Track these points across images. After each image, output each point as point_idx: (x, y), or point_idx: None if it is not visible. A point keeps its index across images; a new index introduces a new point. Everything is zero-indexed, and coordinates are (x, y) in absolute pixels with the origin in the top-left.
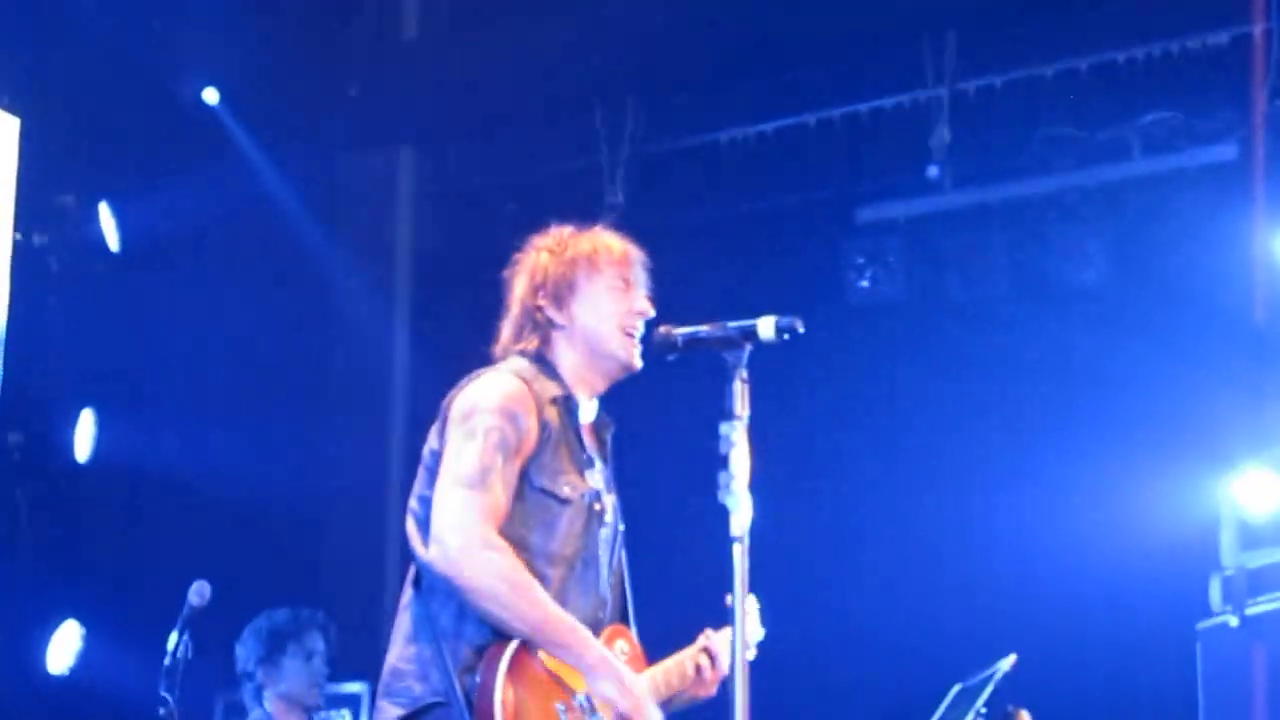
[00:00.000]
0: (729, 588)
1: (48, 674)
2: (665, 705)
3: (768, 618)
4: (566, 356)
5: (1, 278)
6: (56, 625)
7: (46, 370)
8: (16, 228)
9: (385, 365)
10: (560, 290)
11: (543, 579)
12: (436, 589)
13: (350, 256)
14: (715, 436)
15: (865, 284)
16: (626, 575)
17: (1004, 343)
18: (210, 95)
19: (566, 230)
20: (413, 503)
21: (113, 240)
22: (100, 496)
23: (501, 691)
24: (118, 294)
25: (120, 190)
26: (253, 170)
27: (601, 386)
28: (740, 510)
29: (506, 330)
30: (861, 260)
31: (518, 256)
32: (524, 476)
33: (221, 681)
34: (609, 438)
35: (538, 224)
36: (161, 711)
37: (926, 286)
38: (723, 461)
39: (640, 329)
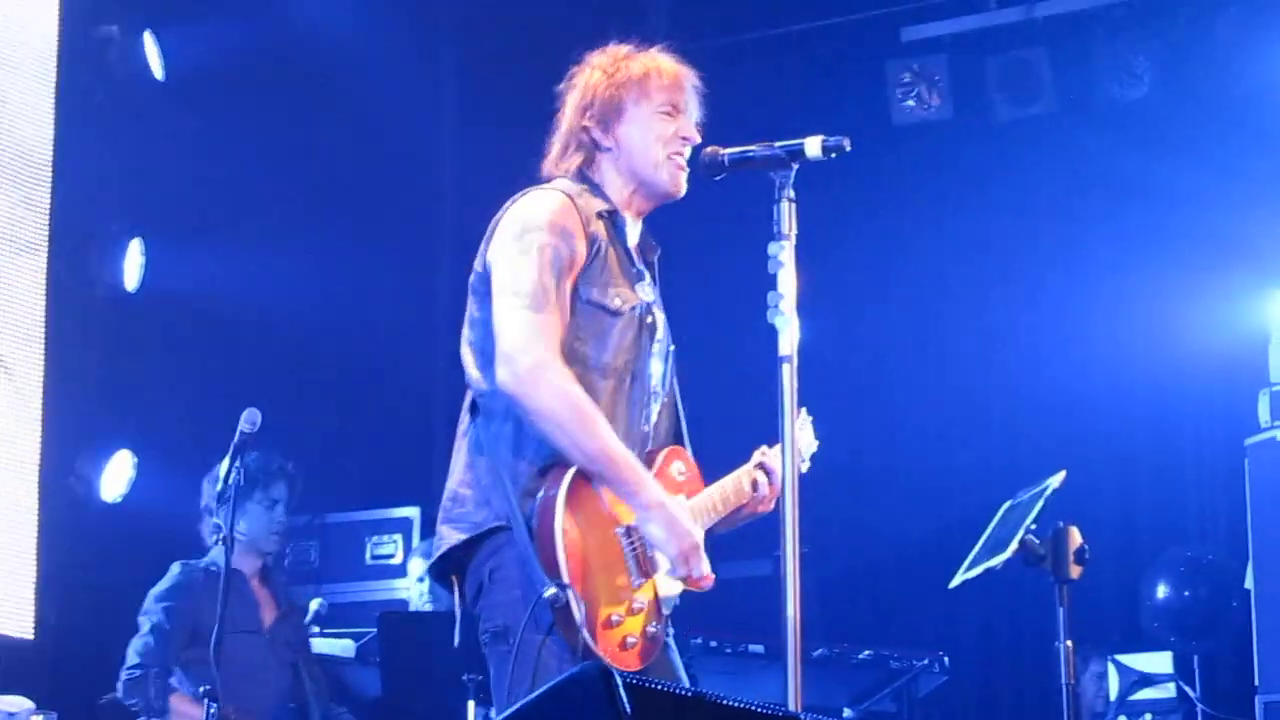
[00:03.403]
0: (778, 406)
1: (102, 502)
2: (725, 522)
3: (819, 435)
4: (612, 178)
5: (48, 111)
6: (109, 454)
7: (94, 202)
8: (61, 60)
9: (433, 188)
10: (607, 113)
11: (594, 390)
12: (494, 413)
13: (397, 79)
14: (763, 256)
15: (911, 104)
16: (679, 395)
17: (1050, 161)
18: None
19: (622, 50)
20: (465, 329)
21: (157, 69)
22: (150, 326)
23: (561, 515)
24: (163, 123)
25: (163, 19)
26: None
27: (646, 209)
28: (788, 330)
29: (555, 147)
30: (907, 79)
31: (572, 71)
32: (575, 290)
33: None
34: (655, 259)
35: (580, 44)
36: (214, 537)
37: (972, 105)
38: (771, 281)
39: (685, 155)
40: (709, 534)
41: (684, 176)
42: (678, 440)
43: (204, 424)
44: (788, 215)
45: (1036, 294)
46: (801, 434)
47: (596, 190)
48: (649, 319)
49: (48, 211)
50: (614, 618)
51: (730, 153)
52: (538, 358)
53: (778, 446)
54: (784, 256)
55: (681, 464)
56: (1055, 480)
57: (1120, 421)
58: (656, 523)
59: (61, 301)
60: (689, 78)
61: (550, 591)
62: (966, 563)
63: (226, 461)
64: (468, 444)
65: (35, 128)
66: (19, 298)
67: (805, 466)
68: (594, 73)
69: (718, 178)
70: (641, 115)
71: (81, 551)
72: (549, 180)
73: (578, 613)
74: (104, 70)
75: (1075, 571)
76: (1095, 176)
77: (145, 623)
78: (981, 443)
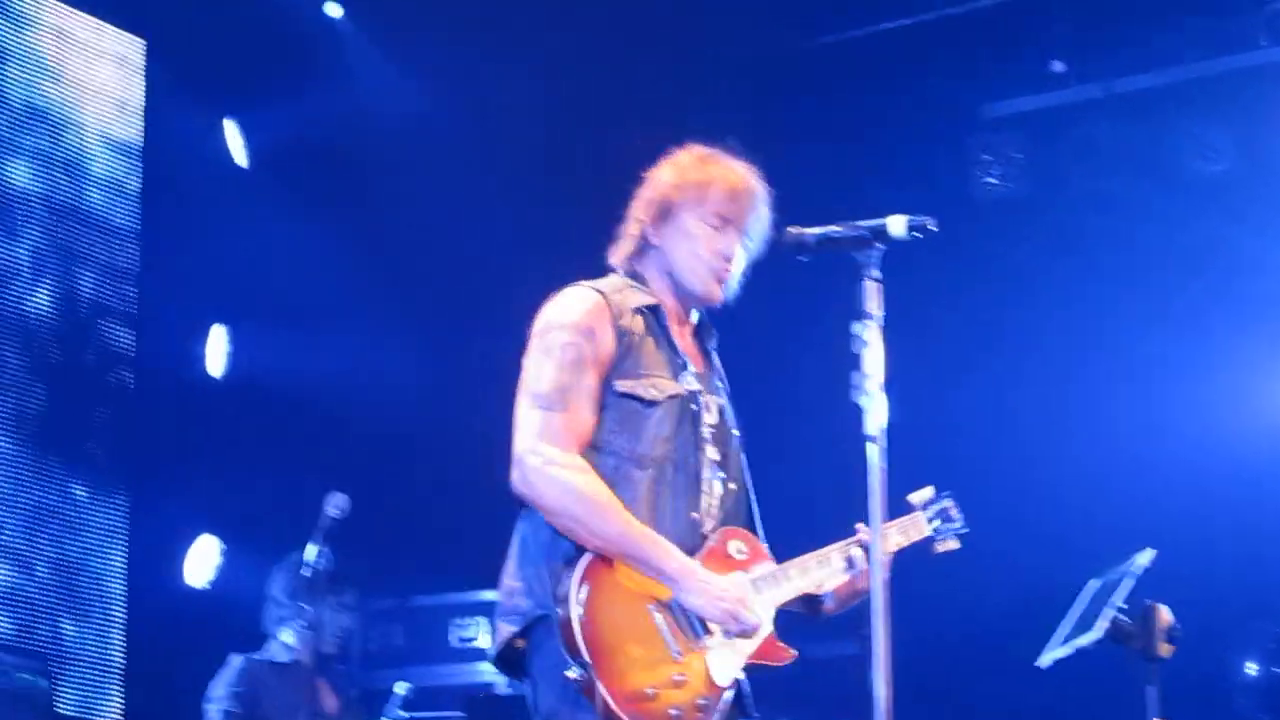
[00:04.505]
0: (865, 486)
1: (187, 587)
2: (839, 601)
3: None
4: (654, 275)
5: (134, 198)
6: (194, 539)
7: (179, 288)
8: (148, 146)
9: (512, 272)
10: (662, 212)
11: (630, 481)
12: (532, 508)
13: (475, 164)
14: (849, 336)
15: (992, 180)
16: (748, 478)
17: (1131, 235)
18: (332, 9)
19: (702, 152)
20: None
21: (240, 156)
22: (234, 411)
23: (576, 599)
24: (246, 209)
25: (246, 106)
26: (374, 83)
27: (690, 312)
28: (875, 409)
29: (621, 235)
30: (988, 156)
31: (662, 159)
32: (607, 385)
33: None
34: (713, 347)
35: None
36: (300, 623)
37: (1052, 181)
38: (857, 361)
39: (725, 270)
40: (800, 613)
41: (720, 289)
42: (748, 522)
43: (290, 509)
44: (873, 294)
45: (1118, 367)
46: (920, 526)
47: (641, 283)
48: (693, 407)
49: (134, 298)
50: (649, 691)
51: (814, 233)
52: (545, 456)
53: (884, 524)
54: (869, 336)
55: (741, 543)
56: (1144, 558)
57: (1204, 495)
58: (690, 591)
59: (147, 387)
60: (755, 194)
61: (572, 672)
62: (1055, 641)
63: (313, 546)
64: (517, 539)
65: (123, 213)
66: (105, 383)
67: (943, 547)
68: (666, 168)
69: (802, 258)
70: (689, 222)
71: (168, 637)
72: (610, 267)
73: (603, 691)
74: (188, 157)
75: (1165, 650)
76: (1175, 250)
77: (214, 711)
78: (1067, 518)
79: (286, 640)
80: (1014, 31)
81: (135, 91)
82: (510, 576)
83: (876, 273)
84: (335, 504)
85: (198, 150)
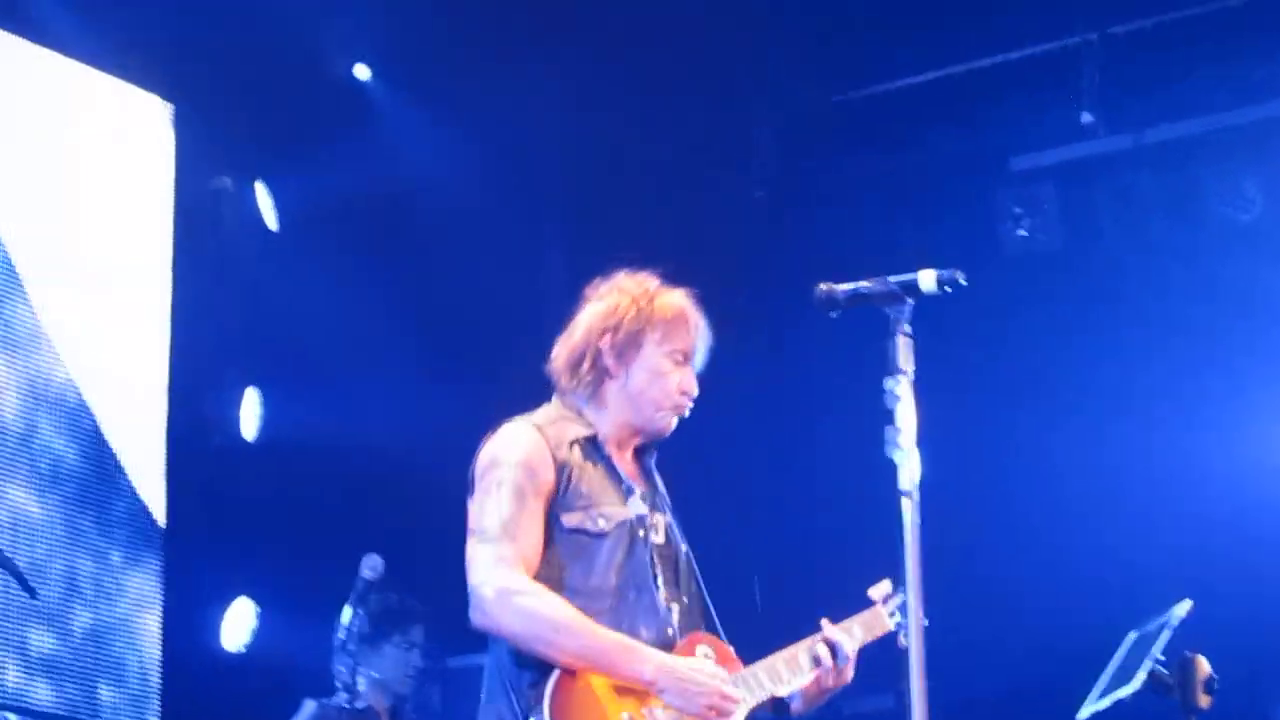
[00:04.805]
0: (899, 542)
1: (222, 651)
2: (784, 704)
3: (936, 571)
4: (608, 404)
5: (165, 261)
6: (229, 602)
7: (211, 350)
8: (176, 211)
9: (542, 330)
10: (627, 344)
11: (592, 613)
12: (499, 639)
13: (504, 223)
14: (881, 391)
15: (1022, 233)
16: (703, 589)
17: (1163, 284)
18: (361, 71)
19: (654, 283)
20: None
21: (270, 219)
22: (268, 473)
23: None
24: (277, 272)
25: (276, 169)
26: (405, 143)
27: (634, 441)
28: (908, 464)
29: (564, 354)
30: (1018, 209)
31: (600, 283)
32: (554, 520)
33: None
34: (652, 463)
35: (689, 182)
36: (337, 685)
37: (1083, 233)
38: (889, 416)
39: (686, 406)
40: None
41: (674, 422)
42: (710, 628)
43: (325, 571)
44: (904, 349)
45: (1152, 417)
46: (881, 621)
47: (576, 414)
48: (641, 531)
49: (166, 361)
50: None
51: (844, 289)
52: (497, 587)
53: (845, 622)
54: (901, 391)
55: (706, 647)
56: (1181, 609)
57: (1243, 544)
58: (666, 689)
59: (180, 451)
60: (704, 328)
61: None
62: (1094, 693)
63: (348, 609)
64: (486, 668)
65: (153, 278)
66: (139, 447)
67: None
68: (624, 298)
69: (832, 314)
70: (655, 358)
71: (204, 702)
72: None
73: None
74: (218, 220)
75: (1204, 701)
76: (1208, 299)
77: None
78: (1103, 570)
79: (358, 686)
80: (1042, 83)
81: (164, 155)
82: (483, 709)
83: (908, 327)
84: (370, 565)
85: (227, 213)
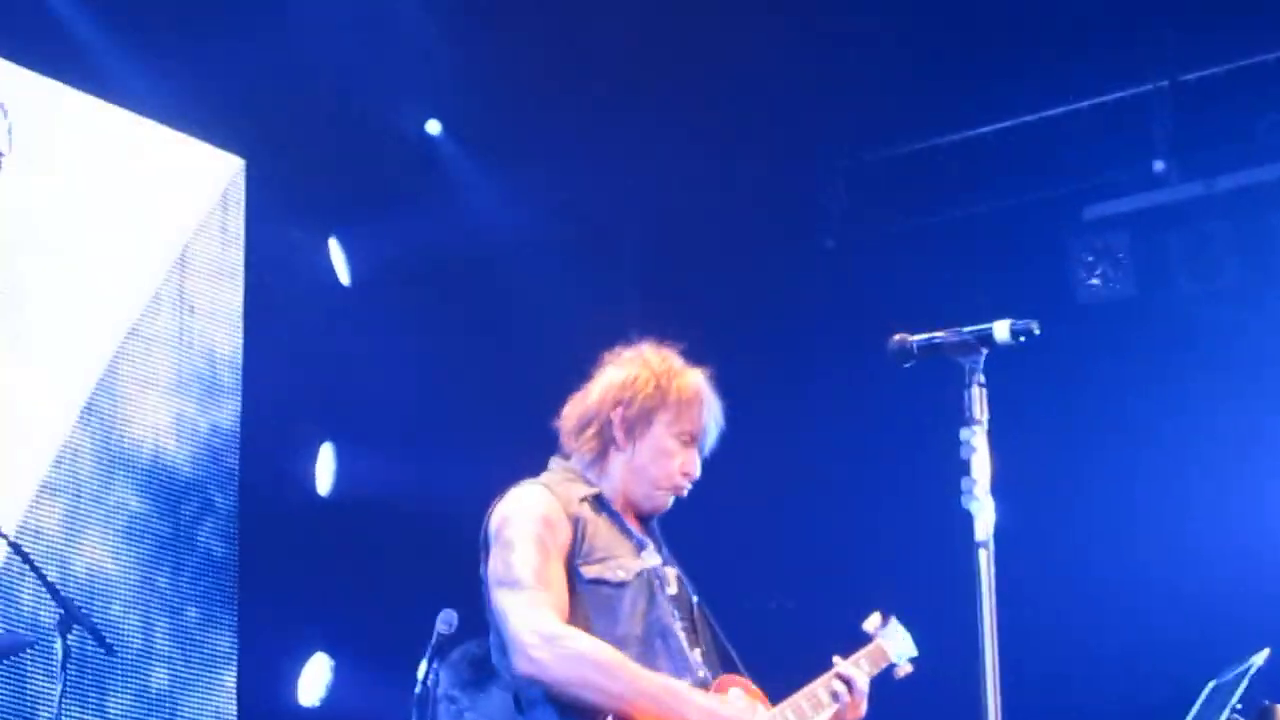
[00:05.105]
0: (974, 592)
1: (299, 706)
2: None
3: (1014, 620)
4: (610, 473)
5: (238, 317)
6: (306, 658)
7: (285, 406)
8: (249, 267)
9: None
10: (638, 419)
11: None
12: (535, 702)
13: (578, 276)
14: (956, 442)
15: (1095, 282)
16: (720, 634)
17: (1237, 330)
18: (433, 126)
19: (677, 362)
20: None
21: (343, 274)
22: (344, 528)
23: None
24: (351, 327)
25: (348, 224)
26: (476, 199)
27: (631, 510)
28: (983, 514)
29: (572, 416)
30: (1090, 258)
31: (622, 351)
32: (574, 573)
33: None
34: (654, 523)
35: (760, 235)
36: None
37: (1156, 281)
38: (964, 466)
39: (686, 489)
40: None
41: (671, 501)
42: (733, 670)
43: (400, 626)
44: (978, 400)
45: (1227, 465)
46: (895, 643)
47: (579, 476)
48: (655, 581)
49: (238, 417)
50: None
51: (919, 340)
52: (542, 633)
53: (853, 656)
54: (976, 441)
55: (738, 690)
56: (1259, 658)
57: None
58: None
59: (255, 507)
60: (716, 409)
61: None
62: None
63: (424, 663)
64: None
65: (226, 334)
66: (214, 505)
67: (903, 672)
68: (644, 371)
69: (907, 365)
70: (664, 437)
71: None
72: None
73: None
74: (291, 276)
75: None
76: None
77: None
78: (1182, 619)
79: None
80: (1114, 132)
81: (235, 211)
82: None
83: (981, 378)
84: (445, 620)
85: (300, 269)
